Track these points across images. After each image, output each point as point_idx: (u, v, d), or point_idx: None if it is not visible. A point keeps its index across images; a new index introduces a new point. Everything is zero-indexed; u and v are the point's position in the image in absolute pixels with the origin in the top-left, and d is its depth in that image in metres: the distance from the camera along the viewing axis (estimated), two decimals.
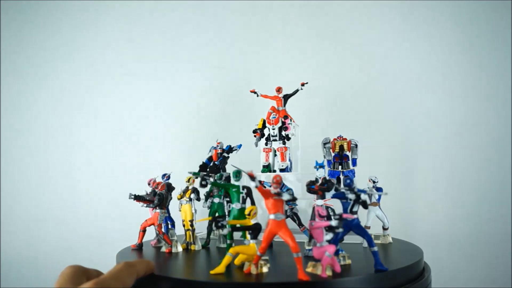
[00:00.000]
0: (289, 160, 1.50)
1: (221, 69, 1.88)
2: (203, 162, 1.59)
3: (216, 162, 1.53)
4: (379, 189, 1.30)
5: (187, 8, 1.94)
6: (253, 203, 1.17)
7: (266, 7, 1.88)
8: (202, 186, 1.12)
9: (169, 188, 1.41)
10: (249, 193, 1.17)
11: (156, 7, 1.94)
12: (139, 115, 1.93)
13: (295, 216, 1.33)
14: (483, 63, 1.74)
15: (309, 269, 0.98)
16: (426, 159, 1.75)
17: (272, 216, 0.96)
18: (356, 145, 1.43)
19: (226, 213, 1.37)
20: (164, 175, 1.46)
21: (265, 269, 0.99)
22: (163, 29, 1.96)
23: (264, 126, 1.54)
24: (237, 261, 1.01)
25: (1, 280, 1.81)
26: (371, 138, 1.76)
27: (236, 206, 1.12)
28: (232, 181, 1.16)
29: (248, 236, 1.03)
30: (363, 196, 1.00)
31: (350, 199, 1.02)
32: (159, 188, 1.33)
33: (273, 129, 1.51)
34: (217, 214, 1.36)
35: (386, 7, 1.83)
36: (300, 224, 1.32)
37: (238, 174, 1.15)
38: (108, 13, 1.97)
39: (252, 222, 1.03)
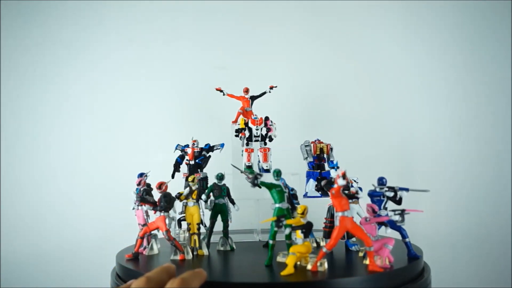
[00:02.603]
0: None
1: (221, 69, 1.82)
2: (176, 161, 1.48)
3: (198, 161, 1.44)
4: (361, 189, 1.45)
5: (186, 8, 1.88)
6: (292, 203, 1.17)
7: (260, 6, 1.88)
8: (255, 185, 1.06)
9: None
10: (289, 192, 1.16)
11: (155, 7, 1.87)
12: (139, 116, 1.83)
13: None
14: (483, 64, 1.79)
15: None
16: (425, 159, 1.79)
17: (341, 214, 1.00)
18: (332, 149, 1.54)
19: (230, 213, 1.33)
20: (141, 175, 1.30)
21: (326, 266, 1.02)
22: (162, 29, 1.87)
23: (245, 125, 1.52)
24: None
25: (1, 280, 1.70)
26: (370, 139, 1.80)
27: (282, 205, 1.10)
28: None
29: (301, 235, 1.05)
30: (401, 194, 1.13)
31: (386, 197, 1.14)
32: (163, 189, 1.19)
33: (257, 129, 1.51)
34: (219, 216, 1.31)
35: (383, 7, 1.86)
36: None
37: (279, 173, 1.14)
38: (108, 12, 1.86)
39: (303, 221, 1.05)
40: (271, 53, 1.87)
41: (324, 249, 1.01)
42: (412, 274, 1.08)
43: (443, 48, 1.83)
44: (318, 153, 1.50)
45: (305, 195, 1.45)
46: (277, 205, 1.11)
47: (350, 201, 1.31)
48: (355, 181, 1.42)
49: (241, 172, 1.25)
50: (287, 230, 1.03)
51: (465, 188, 1.77)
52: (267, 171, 1.50)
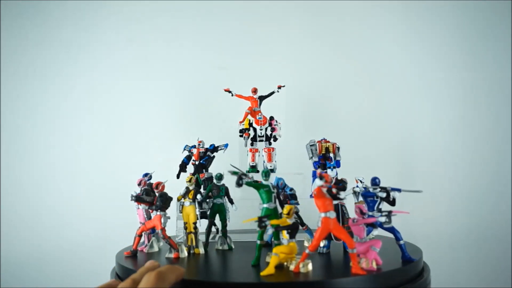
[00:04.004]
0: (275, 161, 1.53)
1: (222, 70, 1.85)
2: (182, 161, 1.51)
3: (202, 162, 1.47)
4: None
5: (188, 8, 1.90)
6: (281, 203, 1.17)
7: (261, 6, 1.89)
8: (239, 185, 1.08)
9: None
10: (278, 193, 1.16)
11: (156, 7, 1.90)
12: (139, 116, 1.86)
13: (296, 216, 1.36)
14: (483, 64, 1.78)
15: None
16: (426, 159, 1.78)
17: (323, 215, 0.99)
18: (339, 148, 1.52)
19: (228, 213, 1.34)
20: (145, 175, 1.35)
21: (310, 267, 1.01)
22: (162, 29, 1.90)
23: (250, 125, 1.54)
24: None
25: (1, 280, 1.73)
26: (370, 138, 1.80)
27: (269, 206, 1.11)
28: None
29: (287, 236, 1.04)
30: (394, 194, 1.09)
31: (379, 197, 1.11)
32: (160, 188, 1.24)
33: (261, 129, 1.52)
34: (217, 215, 1.33)
35: (384, 7, 1.86)
36: (302, 223, 1.35)
37: (267, 173, 1.14)
38: (108, 12, 1.89)
39: (289, 221, 1.05)
40: (273, 53, 1.87)
41: (307, 251, 1.00)
42: (411, 274, 1.07)
43: (444, 48, 1.81)
44: (323, 152, 1.48)
45: (312, 196, 1.44)
46: (264, 205, 1.11)
47: (356, 201, 1.30)
48: (360, 181, 1.40)
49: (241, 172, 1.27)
50: (270, 231, 1.03)
51: (465, 188, 1.75)
52: (271, 171, 1.51)
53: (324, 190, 0.99)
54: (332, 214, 0.99)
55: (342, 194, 0.97)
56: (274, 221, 1.04)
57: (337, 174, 1.47)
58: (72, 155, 1.83)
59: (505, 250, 1.71)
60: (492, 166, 1.74)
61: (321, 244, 1.25)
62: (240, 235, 1.42)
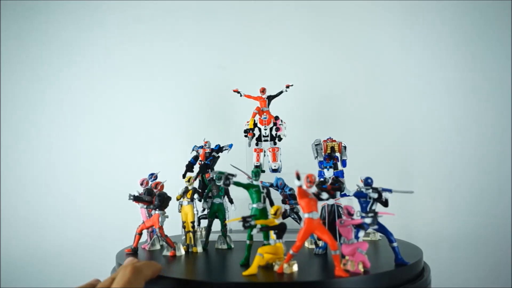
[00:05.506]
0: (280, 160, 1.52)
1: (222, 70, 1.86)
2: (189, 161, 1.54)
3: (207, 162, 1.49)
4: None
5: (189, 8, 1.93)
6: (271, 203, 1.17)
7: (262, 6, 1.90)
8: (226, 185, 1.09)
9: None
10: (268, 193, 1.16)
11: (157, 6, 1.93)
12: (139, 116, 1.90)
13: (296, 216, 1.35)
14: (483, 63, 1.77)
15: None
16: (426, 159, 1.76)
17: (307, 215, 0.98)
18: (345, 147, 1.48)
19: (227, 213, 1.36)
20: (151, 175, 1.39)
21: (295, 268, 1.00)
22: (163, 29, 1.93)
23: (255, 125, 1.54)
24: (262, 262, 1.01)
25: (1, 280, 1.76)
26: (370, 138, 1.78)
27: (258, 206, 1.11)
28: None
29: (274, 236, 1.04)
30: (386, 195, 1.06)
31: (371, 198, 1.07)
32: (159, 188, 1.27)
33: (265, 129, 1.52)
34: (216, 215, 1.35)
35: (384, 7, 1.85)
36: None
37: (257, 173, 1.14)
38: (108, 12, 1.93)
39: (277, 221, 1.04)
40: (276, 53, 1.87)
41: (291, 251, 0.99)
42: (412, 274, 1.06)
43: (447, 48, 1.80)
44: (329, 152, 1.46)
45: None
46: (253, 205, 1.11)
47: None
48: None
49: (243, 172, 1.28)
50: (255, 231, 1.03)
51: (465, 188, 1.73)
52: (275, 170, 1.50)
53: (311, 190, 0.98)
54: (315, 215, 0.97)
55: (324, 195, 0.95)
56: (260, 221, 1.04)
57: (343, 173, 1.46)
58: (72, 154, 1.86)
59: (505, 250, 1.70)
60: (493, 166, 1.70)
61: (320, 244, 1.24)
62: (240, 235, 1.43)
